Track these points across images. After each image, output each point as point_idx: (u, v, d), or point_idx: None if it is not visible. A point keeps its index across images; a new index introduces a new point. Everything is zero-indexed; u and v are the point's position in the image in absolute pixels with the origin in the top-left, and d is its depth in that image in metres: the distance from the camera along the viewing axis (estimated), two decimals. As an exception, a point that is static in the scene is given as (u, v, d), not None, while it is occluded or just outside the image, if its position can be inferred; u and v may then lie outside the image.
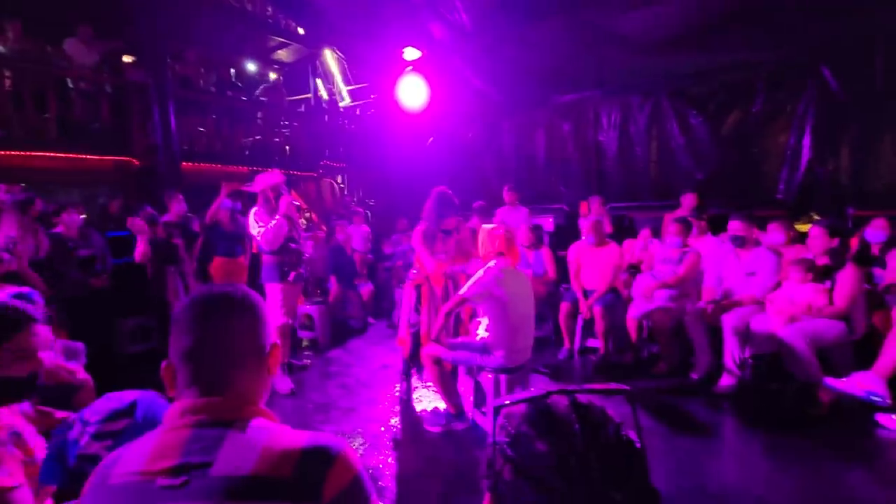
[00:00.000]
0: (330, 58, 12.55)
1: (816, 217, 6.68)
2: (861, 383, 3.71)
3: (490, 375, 3.70)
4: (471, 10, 8.51)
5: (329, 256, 7.28)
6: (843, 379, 3.83)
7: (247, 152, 9.67)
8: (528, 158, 10.38)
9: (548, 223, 8.49)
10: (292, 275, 4.76)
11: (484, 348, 3.62)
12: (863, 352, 4.10)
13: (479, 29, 8.75)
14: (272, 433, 1.04)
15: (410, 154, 11.60)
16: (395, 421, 4.16)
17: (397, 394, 4.70)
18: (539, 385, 4.71)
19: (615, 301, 5.48)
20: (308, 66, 12.01)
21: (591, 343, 5.75)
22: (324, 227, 8.28)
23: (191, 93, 8.80)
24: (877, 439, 3.65)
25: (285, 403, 4.53)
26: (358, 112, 12.64)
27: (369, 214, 10.70)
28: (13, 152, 6.82)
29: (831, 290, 4.18)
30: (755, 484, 3.14)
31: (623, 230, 7.54)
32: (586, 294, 5.57)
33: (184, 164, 8.22)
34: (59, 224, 5.35)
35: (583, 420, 0.80)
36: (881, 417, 3.75)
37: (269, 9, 10.92)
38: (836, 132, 6.92)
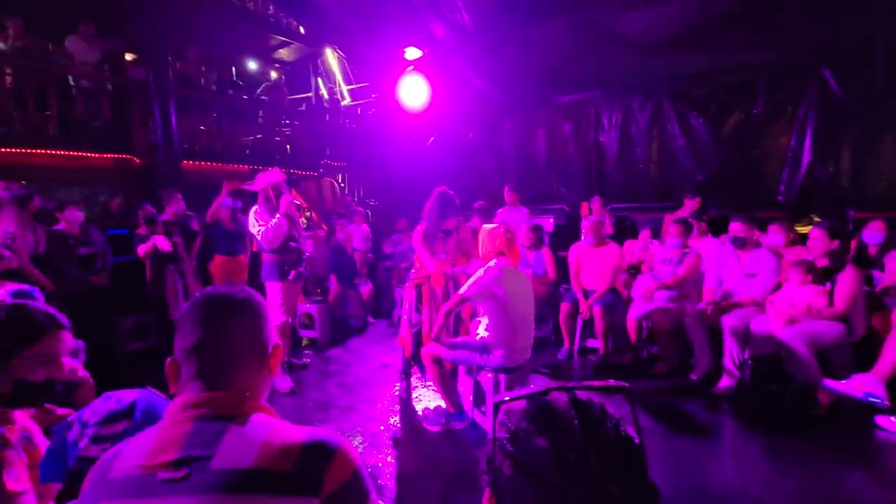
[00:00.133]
0: (331, 57, 12.56)
1: (817, 219, 6.68)
2: (860, 385, 3.72)
3: (490, 375, 3.71)
4: (472, 9, 8.52)
5: (329, 255, 7.28)
6: (843, 381, 3.83)
7: (248, 151, 9.68)
8: (529, 159, 10.38)
9: (548, 223, 8.50)
10: (292, 273, 4.77)
11: (484, 348, 3.63)
12: (862, 354, 4.11)
13: (480, 29, 8.75)
14: (272, 428, 1.05)
15: (411, 154, 11.61)
16: (394, 420, 4.17)
17: (397, 393, 4.71)
18: (539, 385, 4.72)
19: (615, 301, 5.48)
20: (309, 66, 12.01)
21: (591, 343, 5.76)
22: (324, 227, 8.28)
23: (192, 91, 8.81)
24: (876, 441, 3.65)
25: (285, 402, 4.54)
26: (359, 111, 12.65)
27: (370, 214, 10.72)
28: (14, 150, 6.84)
29: (831, 292, 4.19)
30: (754, 485, 3.14)
31: (625, 230, 7.55)
32: (586, 294, 5.58)
33: (184, 162, 8.23)
34: (61, 221, 5.36)
35: (582, 416, 0.81)
36: (880, 419, 3.75)
37: (271, 7, 10.93)
38: (837, 133, 6.92)
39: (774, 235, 5.00)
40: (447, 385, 3.99)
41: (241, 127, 9.59)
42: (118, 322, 5.80)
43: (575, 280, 5.70)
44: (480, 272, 3.58)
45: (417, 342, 4.36)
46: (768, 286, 4.55)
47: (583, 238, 5.73)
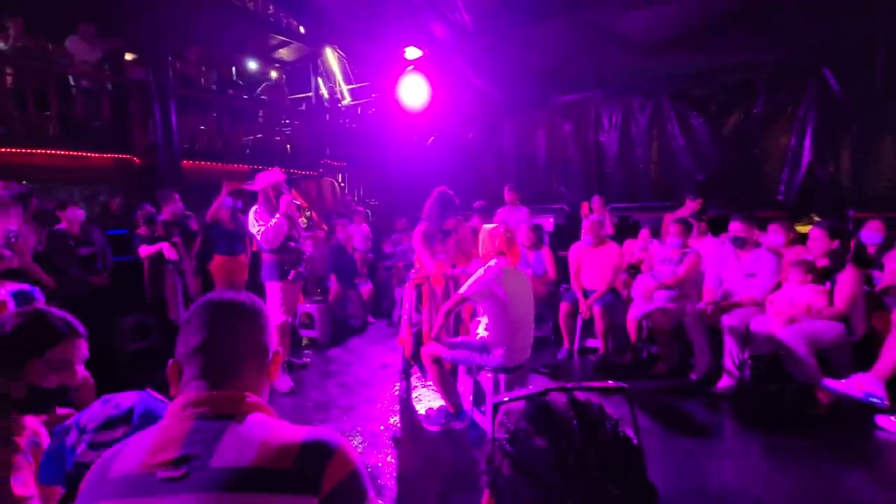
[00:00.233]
0: (331, 57, 12.56)
1: (817, 218, 6.68)
2: (860, 385, 3.72)
3: (489, 375, 3.71)
4: (472, 9, 8.52)
5: (329, 255, 7.29)
6: (842, 380, 3.83)
7: (248, 151, 9.68)
8: (529, 158, 10.39)
9: (548, 223, 8.51)
10: (292, 273, 4.76)
11: (483, 347, 3.63)
12: (862, 353, 4.11)
13: (480, 29, 8.75)
14: (271, 427, 1.06)
15: (411, 153, 11.61)
16: (394, 420, 4.17)
17: (397, 393, 4.71)
18: (538, 385, 4.72)
19: (615, 301, 5.48)
20: (309, 65, 12.01)
21: (591, 343, 5.76)
22: (324, 226, 8.29)
23: (192, 91, 8.81)
24: (875, 441, 3.65)
25: (285, 402, 4.54)
26: (359, 111, 12.65)
27: (370, 213, 10.72)
28: (14, 150, 6.84)
29: (831, 292, 4.19)
30: (754, 484, 3.14)
31: (628, 229, 7.55)
32: (586, 294, 5.58)
33: (184, 162, 8.23)
34: (62, 220, 5.36)
35: (581, 417, 0.81)
36: (880, 419, 3.75)
37: (271, 7, 10.92)
38: (837, 133, 6.93)
39: (774, 235, 5.00)
40: (447, 385, 3.99)
41: (241, 127, 9.59)
42: (118, 322, 5.81)
43: (575, 280, 5.70)
44: (480, 272, 3.58)
45: (417, 342, 4.36)
46: (768, 286, 4.55)
47: (582, 238, 5.73)
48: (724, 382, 4.51)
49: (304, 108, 11.67)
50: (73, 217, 5.38)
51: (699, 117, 8.17)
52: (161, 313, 5.61)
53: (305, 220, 8.75)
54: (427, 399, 4.54)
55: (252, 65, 11.86)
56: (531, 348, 3.74)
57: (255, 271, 5.30)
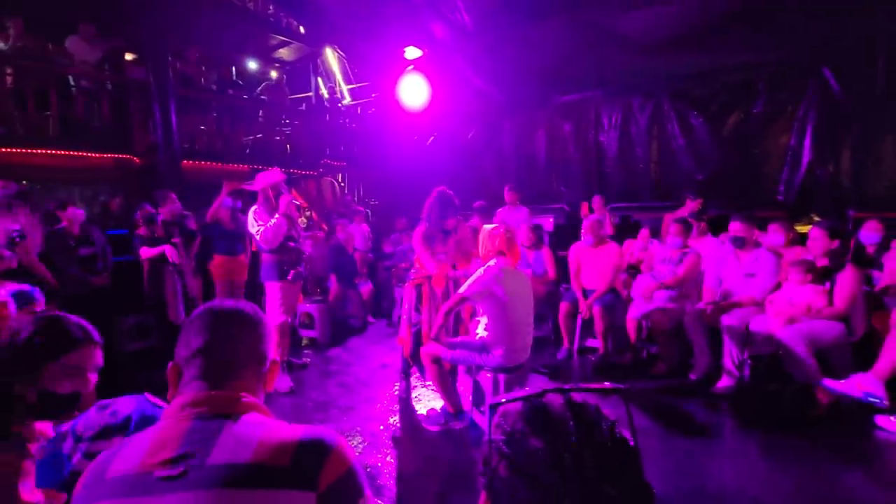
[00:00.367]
0: (331, 57, 12.56)
1: (817, 218, 6.68)
2: (860, 385, 3.72)
3: (489, 375, 3.71)
4: (472, 9, 8.52)
5: (329, 255, 7.29)
6: (842, 380, 3.83)
7: (247, 151, 9.68)
8: (529, 158, 10.39)
9: (548, 223, 8.51)
10: (291, 273, 4.76)
11: (483, 347, 3.63)
12: (862, 353, 4.11)
13: (480, 28, 8.76)
14: (268, 426, 1.07)
15: (411, 153, 11.62)
16: (394, 419, 4.17)
17: (396, 392, 4.71)
18: (538, 384, 4.72)
19: (615, 301, 5.48)
20: (309, 65, 12.01)
21: (591, 343, 5.76)
22: (324, 226, 8.29)
23: (192, 91, 8.80)
24: (875, 441, 3.65)
25: (284, 402, 4.54)
26: (359, 111, 12.65)
27: (369, 213, 10.72)
28: (14, 150, 6.84)
29: (831, 292, 4.19)
30: (753, 484, 3.14)
31: (628, 229, 7.55)
32: (586, 294, 5.58)
33: (184, 162, 8.23)
34: (62, 220, 5.36)
35: (577, 418, 0.81)
36: (879, 419, 3.75)
37: (271, 7, 10.92)
38: (837, 133, 6.93)
39: (774, 235, 5.00)
40: (446, 385, 3.99)
41: (241, 126, 9.59)
42: (118, 322, 5.80)
43: (574, 280, 5.70)
44: (480, 272, 3.58)
45: (417, 342, 4.36)
46: (768, 286, 4.55)
47: (582, 238, 5.73)
48: (724, 382, 4.51)
49: (304, 107, 11.68)
50: (74, 217, 5.38)
51: (699, 117, 8.18)
52: (160, 314, 5.61)
53: (305, 220, 8.76)
54: (427, 399, 4.54)
55: (252, 65, 11.86)
56: (531, 348, 3.74)
57: (255, 271, 5.30)
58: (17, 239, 4.43)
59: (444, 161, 11.24)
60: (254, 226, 4.65)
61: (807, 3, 6.61)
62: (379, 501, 3.04)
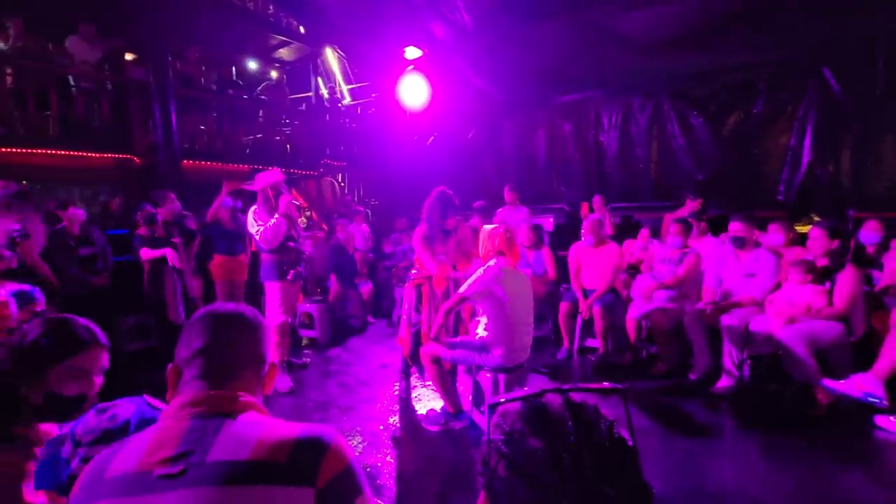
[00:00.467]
0: (331, 57, 12.56)
1: (817, 218, 6.69)
2: (859, 385, 3.72)
3: (489, 374, 3.71)
4: (472, 9, 8.53)
5: (329, 255, 7.29)
6: (842, 380, 3.83)
7: (247, 151, 9.68)
8: (529, 158, 10.40)
9: (548, 223, 8.51)
10: (291, 273, 4.76)
11: (483, 347, 3.63)
12: (861, 353, 4.11)
13: (480, 28, 8.76)
14: (266, 424, 1.08)
15: (411, 153, 11.62)
16: (393, 419, 4.17)
17: (396, 392, 4.71)
18: (537, 384, 4.72)
19: (614, 301, 5.48)
20: (309, 65, 12.01)
21: (591, 343, 5.76)
22: (324, 226, 8.29)
23: (192, 91, 8.80)
24: (875, 441, 3.65)
25: (284, 402, 4.54)
26: (359, 111, 12.65)
27: (370, 213, 10.72)
28: (14, 150, 6.84)
29: (830, 292, 4.19)
30: (753, 484, 3.14)
31: (628, 229, 7.55)
32: (586, 294, 5.58)
33: (184, 162, 8.23)
34: (63, 220, 5.35)
35: (576, 418, 0.81)
36: (879, 419, 3.75)
37: (271, 7, 10.92)
38: (837, 133, 6.93)
39: (774, 235, 5.00)
40: (446, 385, 3.99)
41: (241, 126, 9.59)
42: (118, 322, 5.80)
43: (574, 280, 5.70)
44: (480, 271, 3.58)
45: (416, 342, 4.36)
46: (768, 286, 4.55)
47: (583, 238, 5.73)
48: (724, 382, 4.51)
49: (303, 107, 11.68)
50: (74, 217, 5.38)
51: (699, 117, 8.18)
52: (160, 314, 5.60)
53: (305, 220, 8.76)
54: (426, 399, 4.54)
55: (252, 65, 11.86)
56: (530, 348, 3.74)
57: (255, 271, 5.30)
58: (19, 239, 4.43)
59: (444, 161, 11.25)
60: (253, 226, 4.66)
61: (807, 4, 6.61)
62: (378, 501, 3.04)
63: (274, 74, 12.30)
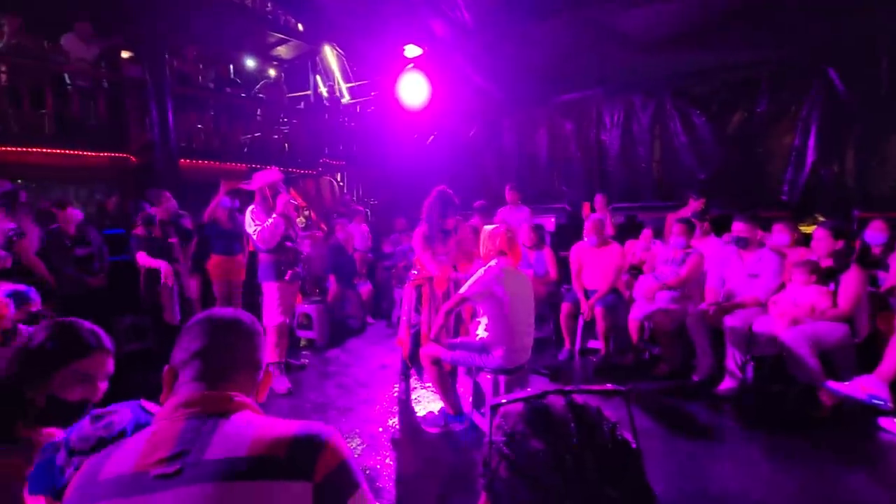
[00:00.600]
0: (330, 54, 12.57)
1: (821, 218, 6.69)
2: (864, 387, 3.72)
3: (489, 376, 3.71)
4: (472, 7, 8.53)
5: (328, 255, 7.29)
6: (846, 382, 3.83)
7: (245, 149, 9.67)
8: (530, 157, 10.41)
9: (549, 223, 8.51)
10: (289, 273, 4.76)
11: (483, 348, 3.63)
12: (866, 355, 4.11)
13: (480, 26, 8.77)
14: (262, 423, 1.10)
15: (411, 152, 11.62)
16: (393, 421, 4.17)
17: (395, 394, 4.71)
18: (539, 386, 4.72)
19: (617, 302, 5.48)
20: (308, 63, 12.00)
21: (592, 344, 5.76)
22: (323, 226, 8.29)
23: (189, 89, 8.79)
24: (879, 443, 3.65)
25: (282, 403, 4.54)
26: (358, 109, 12.66)
27: (369, 213, 10.72)
28: (10, 148, 6.83)
29: (835, 293, 4.19)
30: (756, 486, 3.15)
31: (631, 229, 7.55)
32: (588, 294, 5.58)
33: (181, 161, 8.21)
34: (58, 219, 5.35)
35: (579, 420, 0.81)
36: (883, 421, 3.75)
37: (269, 5, 10.92)
38: (842, 133, 6.94)
39: (778, 235, 5.00)
40: (446, 386, 3.99)
41: (239, 125, 9.58)
42: (114, 323, 5.80)
43: (576, 280, 5.70)
44: (481, 272, 3.59)
45: (416, 343, 4.36)
46: (771, 286, 4.55)
47: (584, 238, 5.73)
48: (727, 384, 4.51)
49: (302, 106, 11.67)
50: (70, 217, 5.38)
51: (701, 116, 8.19)
52: (157, 315, 5.60)
53: (303, 220, 8.76)
54: (426, 401, 4.55)
55: (250, 62, 11.86)
56: (531, 349, 3.75)
57: (253, 271, 5.30)
58: (15, 237, 4.42)
59: (445, 160, 11.25)
60: (251, 225, 4.65)
61: (806, 3, 6.63)
62: (377, 503, 3.04)
63: (272, 72, 12.29)
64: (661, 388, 4.75)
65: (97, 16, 7.89)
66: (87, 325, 1.80)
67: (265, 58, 12.14)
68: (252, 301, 6.18)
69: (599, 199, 7.42)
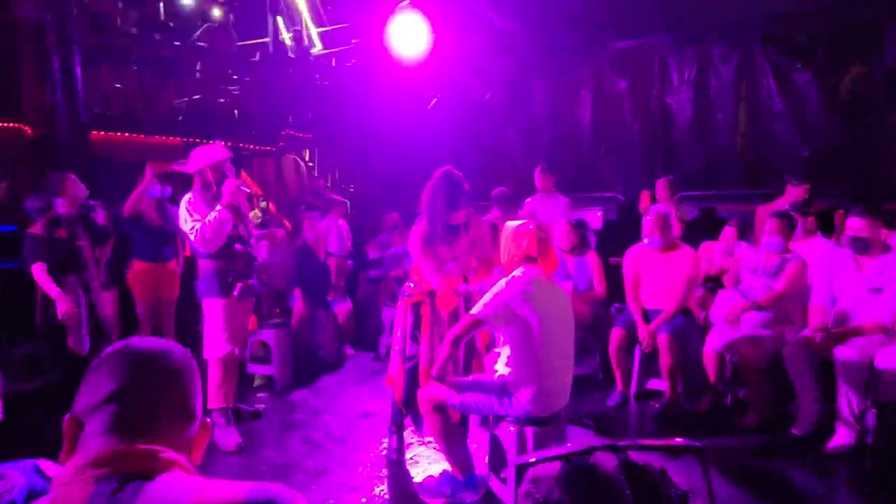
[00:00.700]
0: (296, -11, 12.63)
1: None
2: None
3: (512, 428, 3.70)
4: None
5: (293, 262, 7.29)
6: None
7: (180, 118, 9.69)
8: (569, 129, 10.40)
9: (595, 218, 8.49)
10: (239, 287, 4.77)
11: (504, 390, 3.62)
12: None
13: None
14: (200, 486, 1.08)
15: (405, 122, 11.61)
16: (380, 489, 4.17)
17: (384, 452, 4.71)
18: (581, 440, 4.71)
19: (687, 327, 5.47)
20: (265, 1, 12.05)
21: (654, 384, 5.75)
22: (286, 222, 8.30)
23: (104, 36, 8.82)
24: None
25: (230, 463, 4.55)
26: (334, 63, 12.68)
27: (349, 204, 10.72)
28: None
29: None
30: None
31: (707, 226, 7.52)
32: (647, 317, 5.56)
33: (93, 133, 8.24)
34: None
35: (635, 485, 0.81)
36: None
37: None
38: None
39: (910, 236, 4.98)
40: (453, 442, 3.98)
41: (171, 84, 9.61)
42: (4, 352, 5.81)
43: (632, 297, 5.68)
44: (501, 284, 3.58)
45: (413, 382, 4.35)
46: (901, 306, 4.53)
47: (643, 239, 5.72)
48: (840, 439, 4.49)
49: (257, 58, 11.69)
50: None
51: (804, 72, 8.17)
52: (58, 342, 5.60)
53: (259, 214, 8.77)
54: (426, 461, 4.55)
55: (187, 0, 11.91)
56: (570, 391, 3.74)
57: (190, 284, 5.30)
58: None
59: (451, 133, 11.25)
60: (188, 221, 4.64)
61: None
62: None
63: (217, 13, 12.33)
64: (748, 444, 4.74)
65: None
66: None
67: (208, -7, 12.20)
68: (188, 324, 6.18)
69: (663, 185, 7.40)
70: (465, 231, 4.46)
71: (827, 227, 5.90)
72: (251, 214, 6.22)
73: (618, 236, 7.90)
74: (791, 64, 8.25)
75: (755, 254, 5.43)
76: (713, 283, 6.06)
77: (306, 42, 12.74)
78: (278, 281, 7.34)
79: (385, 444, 4.78)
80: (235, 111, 10.64)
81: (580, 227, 6.27)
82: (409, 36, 8.98)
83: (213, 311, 4.77)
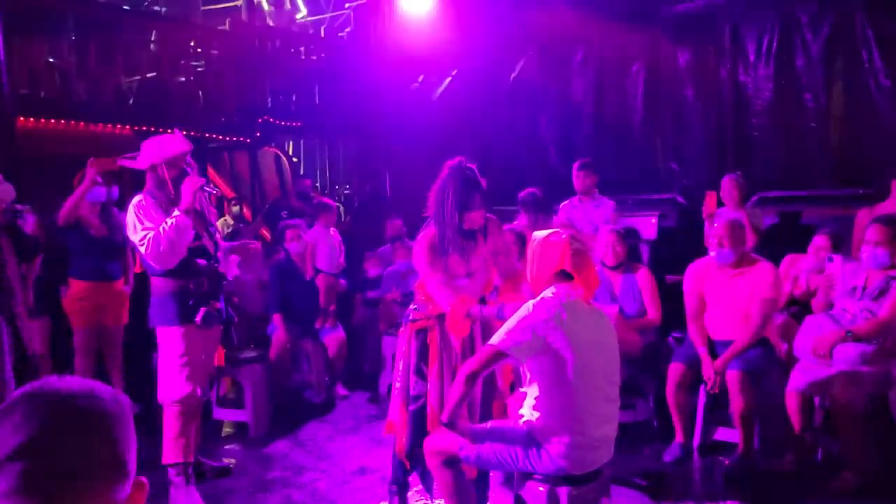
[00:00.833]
0: (275, -60, 12.75)
1: None
2: None
3: (542, 488, 3.71)
4: None
5: (271, 281, 7.32)
6: None
7: (130, 101, 9.75)
8: (616, 114, 10.40)
9: (648, 226, 8.50)
10: (202, 311, 4.78)
11: (531, 439, 3.63)
12: None
13: None
14: None
15: (410, 105, 11.63)
16: (378, 565, 4.20)
17: (384, 518, 4.74)
18: (630, 507, 4.72)
19: (765, 362, 5.46)
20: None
21: (722, 435, 5.74)
22: (264, 232, 8.35)
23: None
24: None
25: (189, 533, 4.58)
26: (323, 33, 12.74)
27: (342, 210, 10.77)
28: None
29: None
30: None
31: (794, 234, 7.51)
32: (714, 350, 5.56)
33: (20, 119, 8.30)
34: None
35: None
36: None
37: None
38: None
39: None
40: (468, 503, 4.00)
41: (119, 60, 9.67)
42: None
43: (695, 324, 5.68)
44: (528, 308, 3.59)
45: (419, 429, 4.37)
46: None
47: (710, 252, 5.72)
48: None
49: (227, 27, 11.76)
50: None
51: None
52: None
53: (230, 221, 8.83)
54: (435, 530, 4.56)
55: (139, -45, 12.05)
56: (614, 443, 3.75)
57: (142, 308, 5.33)
58: None
59: (468, 119, 11.27)
60: (138, 230, 4.65)
61: None
62: None
63: (176, -29, 12.48)
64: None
65: None
66: None
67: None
68: (139, 359, 6.21)
69: (733, 184, 7.38)
70: (482, 240, 4.47)
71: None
72: (219, 222, 6.25)
73: (676, 249, 7.91)
74: (900, 33, 8.27)
75: (852, 270, 5.42)
76: (798, 308, 6.05)
77: (288, 6, 12.83)
78: (253, 304, 7.38)
79: (385, 509, 4.81)
80: (200, 93, 10.69)
81: (629, 237, 6.28)
82: (415, -3, 9.03)
83: (170, 341, 4.77)
